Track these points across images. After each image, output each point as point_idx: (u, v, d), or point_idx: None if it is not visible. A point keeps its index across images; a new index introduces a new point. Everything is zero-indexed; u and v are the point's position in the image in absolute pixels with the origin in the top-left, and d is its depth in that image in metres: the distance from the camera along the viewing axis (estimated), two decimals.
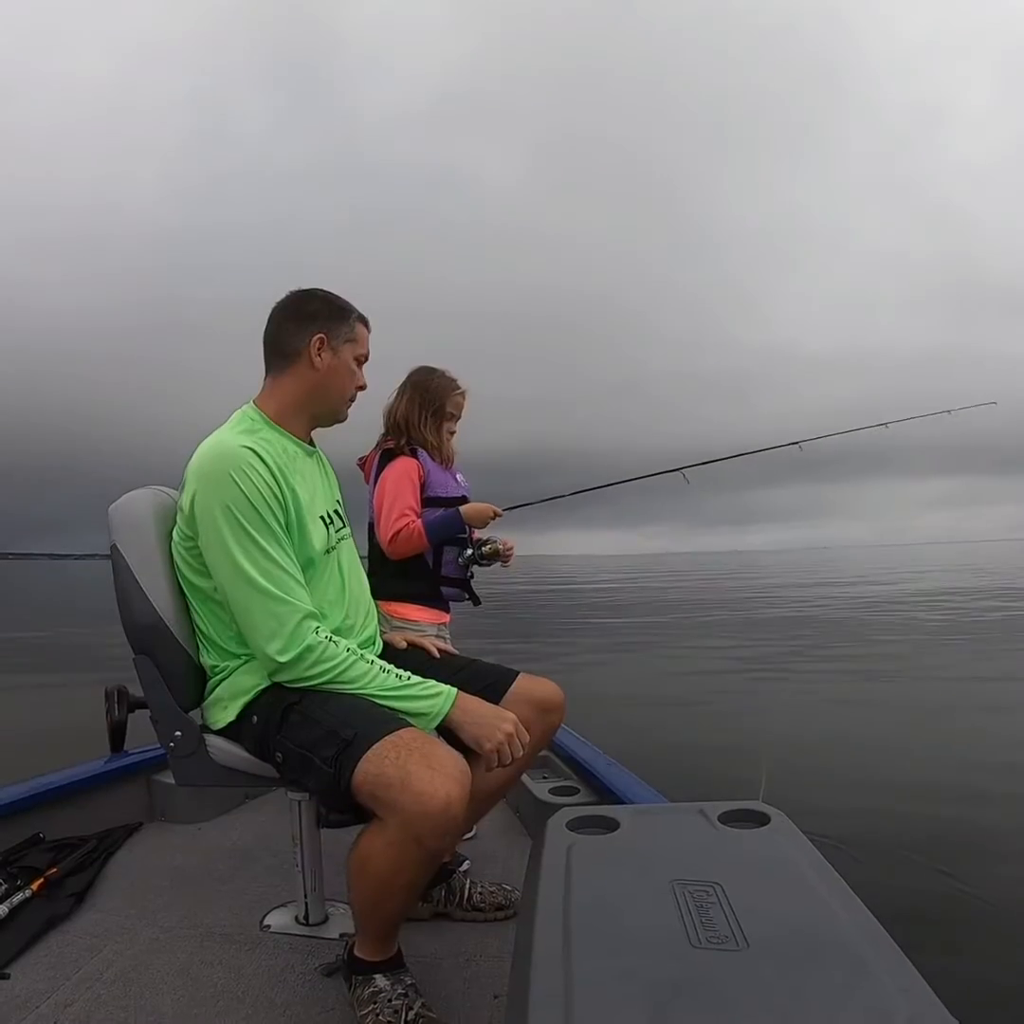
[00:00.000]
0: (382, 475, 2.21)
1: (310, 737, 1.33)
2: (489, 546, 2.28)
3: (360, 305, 1.60)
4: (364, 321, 1.60)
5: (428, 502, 2.23)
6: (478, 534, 2.31)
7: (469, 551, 2.28)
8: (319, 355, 1.52)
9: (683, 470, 3.08)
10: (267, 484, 1.39)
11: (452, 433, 2.34)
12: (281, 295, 1.58)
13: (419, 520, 2.17)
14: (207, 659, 1.52)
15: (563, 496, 3.02)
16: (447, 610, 2.33)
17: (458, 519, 2.21)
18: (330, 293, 1.58)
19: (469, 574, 2.34)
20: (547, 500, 2.99)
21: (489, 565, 2.31)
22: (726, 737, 5.04)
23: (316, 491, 1.57)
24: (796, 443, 3.23)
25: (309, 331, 1.52)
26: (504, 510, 2.34)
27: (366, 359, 1.62)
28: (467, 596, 2.36)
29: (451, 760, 1.25)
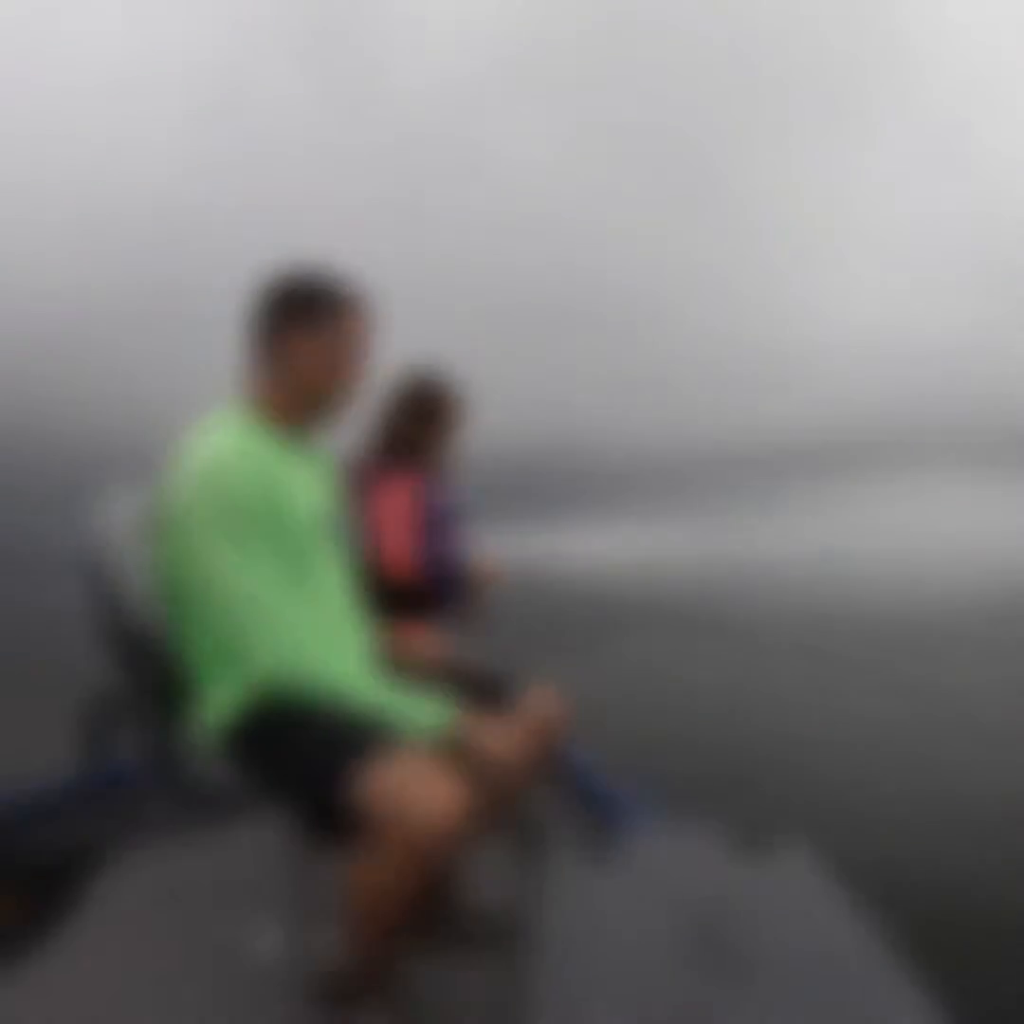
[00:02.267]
0: (383, 495, 2.16)
1: (301, 753, 1.29)
2: (478, 600, 2.27)
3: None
4: (355, 305, 1.48)
5: (425, 522, 2.18)
6: None
7: (461, 601, 2.25)
8: (299, 351, 1.43)
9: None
10: (255, 489, 1.34)
11: (451, 446, 2.28)
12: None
13: (420, 555, 2.13)
14: (194, 670, 1.47)
15: (563, 576, 3.04)
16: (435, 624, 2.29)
17: (462, 566, 2.20)
18: (314, 278, 1.46)
19: None
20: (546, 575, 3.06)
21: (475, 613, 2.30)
22: (735, 754, 4.99)
23: (309, 497, 1.51)
24: None
25: (286, 326, 1.43)
26: (506, 572, 2.33)
27: (361, 347, 1.50)
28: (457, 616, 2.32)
29: (449, 779, 1.20)
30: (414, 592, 2.15)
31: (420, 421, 2.21)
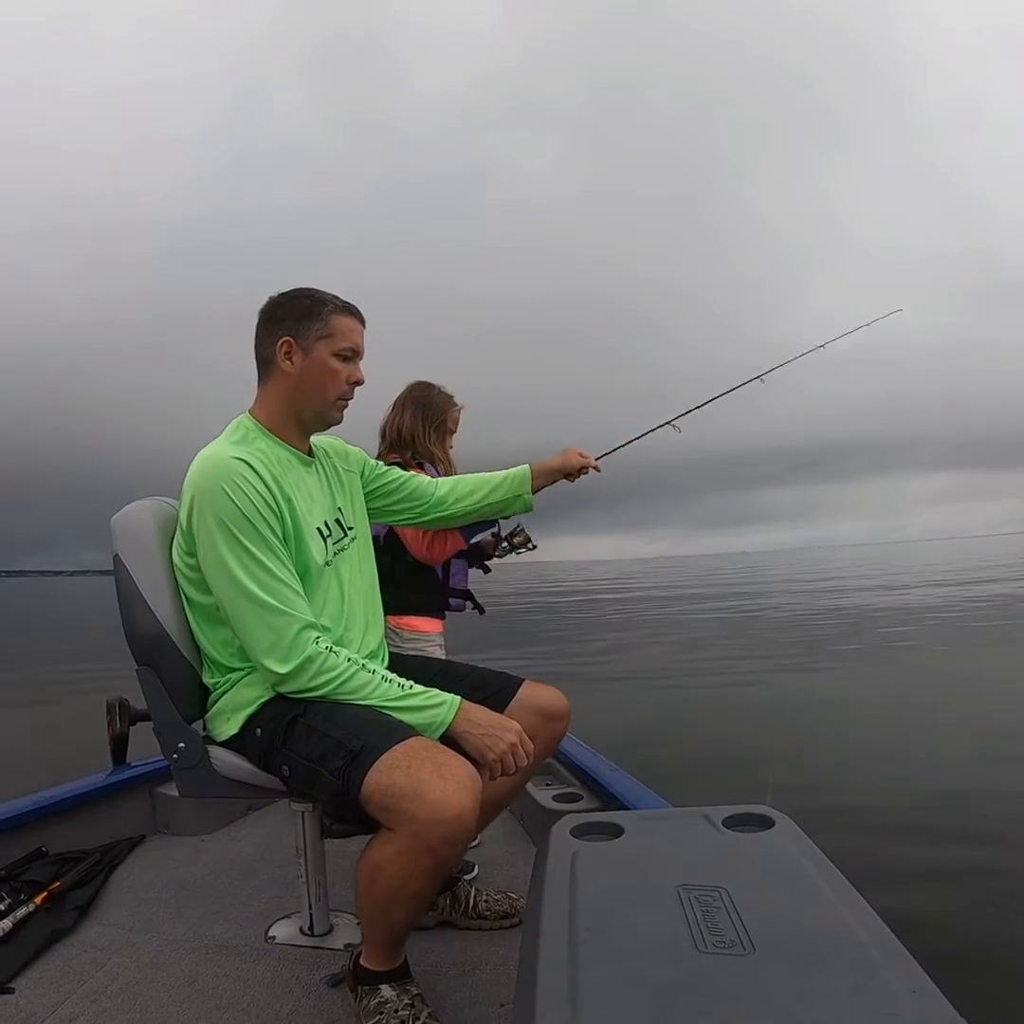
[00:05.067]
0: None
1: (317, 749, 1.32)
2: (519, 536, 2.30)
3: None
4: (348, 312, 1.53)
5: None
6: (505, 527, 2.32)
7: (503, 543, 2.31)
8: (289, 360, 1.49)
9: (673, 422, 3.10)
10: (261, 496, 1.38)
11: (451, 447, 2.37)
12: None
13: None
14: (209, 672, 1.51)
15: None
16: (443, 616, 2.35)
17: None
18: (306, 291, 1.52)
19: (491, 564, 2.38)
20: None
21: (522, 552, 2.32)
22: (731, 742, 5.02)
23: (313, 501, 1.55)
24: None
25: (276, 336, 1.49)
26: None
27: (355, 352, 1.54)
28: (472, 606, 2.38)
29: (463, 769, 1.24)
30: (422, 581, 2.21)
31: (423, 422, 2.28)
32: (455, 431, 2.37)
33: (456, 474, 2.34)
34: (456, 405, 2.36)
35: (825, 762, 4.52)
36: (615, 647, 11.01)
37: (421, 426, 2.28)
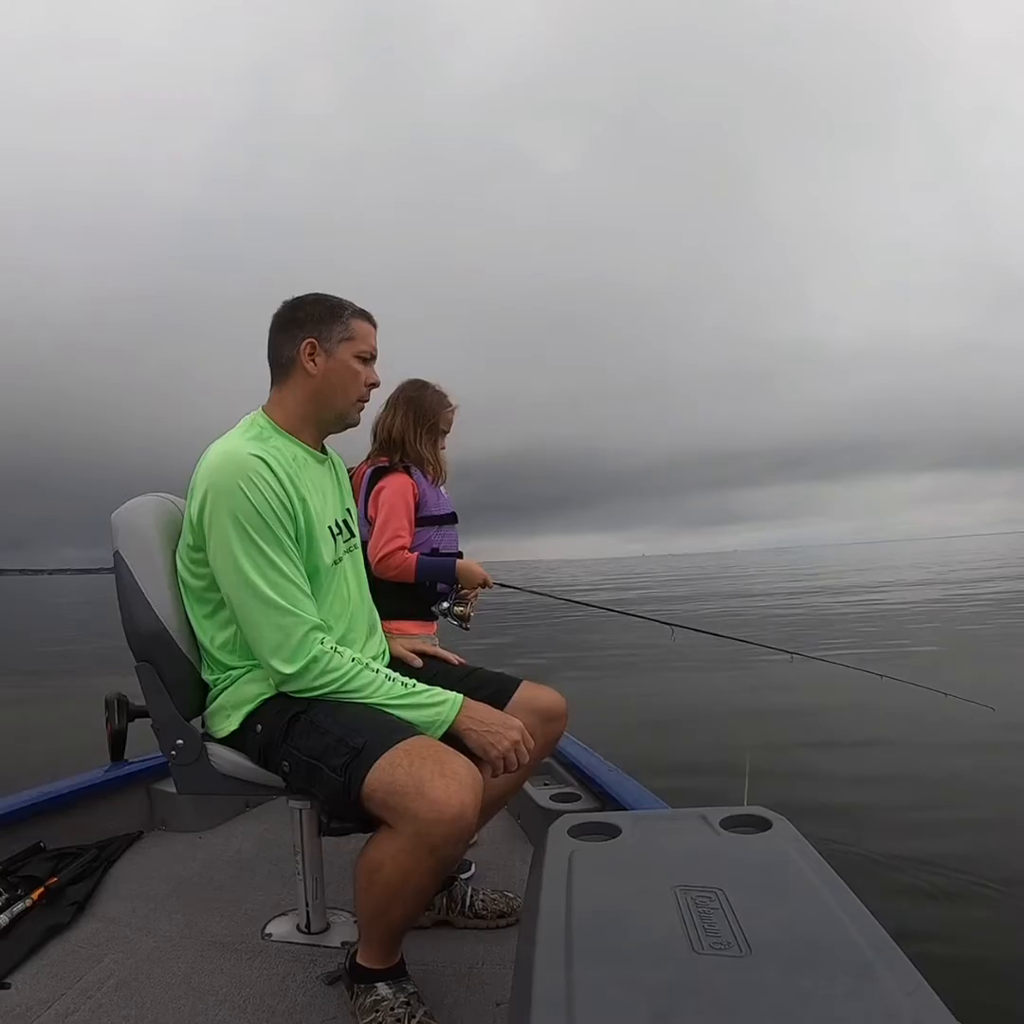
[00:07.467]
0: (379, 493, 2.20)
1: (318, 746, 1.32)
2: (461, 609, 2.27)
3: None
4: (364, 316, 1.55)
5: (421, 521, 2.23)
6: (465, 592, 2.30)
7: (445, 604, 2.26)
8: (312, 360, 1.50)
9: (673, 626, 3.50)
10: (276, 494, 1.39)
11: (443, 448, 2.34)
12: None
13: (413, 554, 2.17)
14: (209, 669, 1.51)
15: (550, 595, 3.59)
16: (434, 619, 2.34)
17: (452, 572, 2.22)
18: (322, 295, 1.54)
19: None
20: (538, 593, 3.60)
21: (453, 622, 2.29)
22: (714, 740, 5.01)
23: (326, 500, 1.56)
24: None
25: (298, 338, 1.50)
26: (495, 583, 2.38)
27: (373, 355, 1.57)
28: (456, 622, 2.33)
29: (464, 768, 1.25)
30: (405, 588, 2.19)
31: (414, 423, 2.26)
32: (448, 431, 2.34)
33: (446, 477, 2.33)
34: (450, 405, 2.31)
35: (805, 757, 4.51)
36: (610, 645, 10.97)
37: (412, 428, 2.25)
